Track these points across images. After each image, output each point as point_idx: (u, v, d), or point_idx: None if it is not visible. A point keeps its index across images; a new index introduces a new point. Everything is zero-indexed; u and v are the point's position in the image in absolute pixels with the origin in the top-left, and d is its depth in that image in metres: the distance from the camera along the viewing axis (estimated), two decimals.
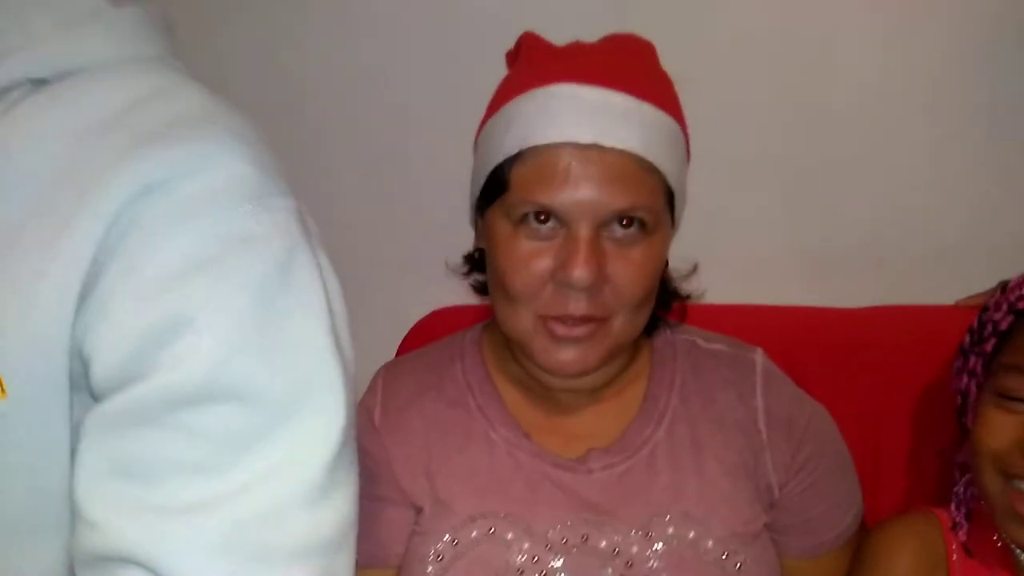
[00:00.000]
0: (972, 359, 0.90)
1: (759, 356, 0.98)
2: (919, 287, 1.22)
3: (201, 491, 0.53)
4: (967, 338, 0.92)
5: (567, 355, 0.87)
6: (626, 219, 0.84)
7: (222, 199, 0.55)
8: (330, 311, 0.58)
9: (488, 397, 0.96)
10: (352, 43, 1.35)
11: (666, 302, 1.00)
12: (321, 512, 0.56)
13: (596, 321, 0.86)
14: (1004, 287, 0.91)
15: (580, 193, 0.83)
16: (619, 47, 0.91)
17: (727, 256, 1.29)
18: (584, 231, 0.83)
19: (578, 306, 0.84)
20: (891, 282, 1.29)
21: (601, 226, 0.84)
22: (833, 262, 1.31)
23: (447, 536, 0.89)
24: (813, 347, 1.17)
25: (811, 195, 1.31)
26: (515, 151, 0.86)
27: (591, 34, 0.92)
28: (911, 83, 1.26)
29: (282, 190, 0.59)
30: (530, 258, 0.85)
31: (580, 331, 0.86)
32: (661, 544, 0.87)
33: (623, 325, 0.88)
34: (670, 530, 0.88)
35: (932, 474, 1.08)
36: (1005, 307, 0.87)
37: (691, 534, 0.88)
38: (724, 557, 0.87)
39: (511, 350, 0.97)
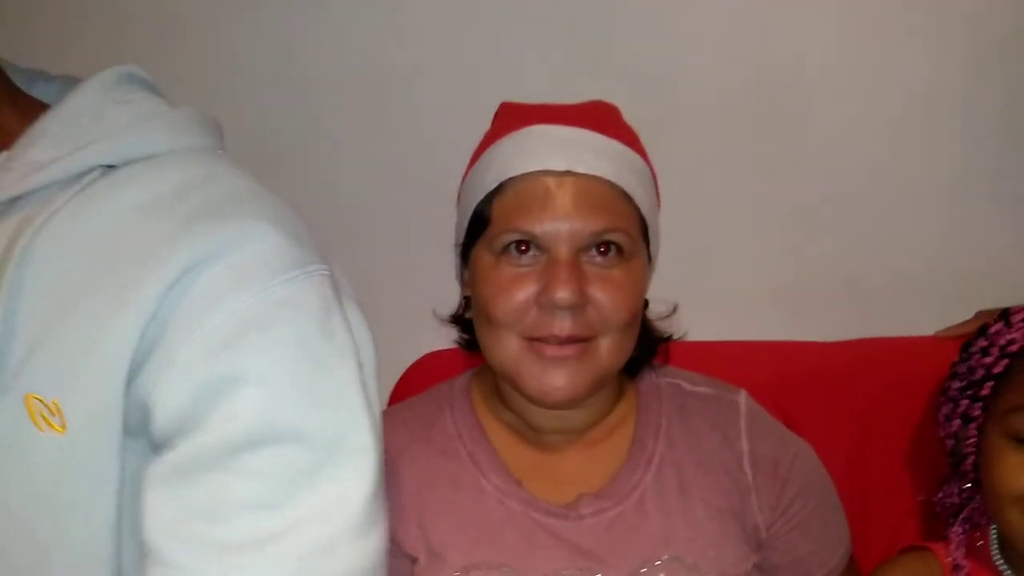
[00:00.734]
0: (964, 403, 0.90)
1: (743, 398, 0.99)
2: (895, 319, 1.24)
3: (268, 525, 0.60)
4: (953, 383, 0.93)
5: (556, 379, 0.87)
6: (603, 245, 0.87)
7: (267, 268, 0.64)
8: (359, 362, 0.67)
9: (478, 444, 0.95)
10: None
11: (650, 345, 1.00)
12: (366, 543, 0.64)
13: (583, 342, 0.87)
14: (984, 329, 0.92)
15: (558, 218, 0.86)
16: (589, 104, 0.97)
17: (707, 295, 1.31)
18: (564, 254, 0.86)
19: (563, 326, 0.86)
20: (867, 315, 1.30)
21: (580, 250, 0.87)
22: (810, 297, 1.32)
23: None
24: (796, 382, 1.17)
25: (786, 231, 1.32)
26: (495, 185, 0.89)
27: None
28: (881, 121, 1.28)
29: (316, 258, 0.68)
30: (512, 284, 0.87)
31: (568, 351, 0.87)
32: None
33: (610, 348, 0.88)
34: (661, 575, 0.87)
35: (919, 508, 1.08)
36: (996, 352, 0.88)
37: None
38: None
39: (500, 395, 0.97)
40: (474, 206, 0.91)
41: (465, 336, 1.04)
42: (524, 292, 0.87)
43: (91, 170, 0.67)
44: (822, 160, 1.29)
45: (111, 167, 0.68)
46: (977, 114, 1.27)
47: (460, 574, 0.87)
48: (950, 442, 0.93)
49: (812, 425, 1.11)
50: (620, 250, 0.88)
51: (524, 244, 0.87)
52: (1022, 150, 1.26)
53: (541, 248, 0.87)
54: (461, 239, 0.95)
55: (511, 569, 0.87)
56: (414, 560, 0.90)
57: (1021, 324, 0.88)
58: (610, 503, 0.91)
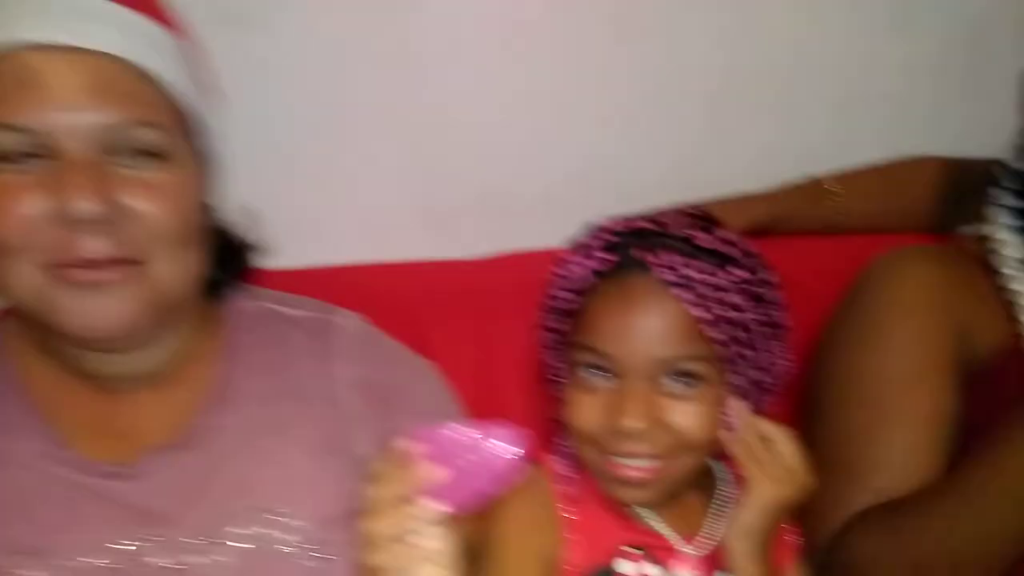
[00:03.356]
0: (546, 333, 0.84)
1: (348, 319, 0.88)
2: (533, 232, 1.19)
3: None
4: (542, 311, 0.86)
5: (97, 307, 0.70)
6: (129, 142, 0.70)
7: None
8: None
9: (9, 404, 0.77)
10: None
11: (234, 264, 0.86)
12: None
13: (127, 264, 0.71)
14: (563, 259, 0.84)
15: (60, 107, 0.67)
16: None
17: (343, 213, 1.19)
18: (78, 152, 0.68)
19: (95, 246, 0.69)
20: (506, 229, 1.25)
21: (104, 150, 0.69)
22: (451, 213, 1.25)
23: None
24: (431, 300, 1.11)
25: (422, 146, 1.23)
26: None
27: None
28: (503, 27, 1.20)
29: None
30: (12, 195, 0.68)
31: (108, 275, 0.70)
32: (232, 546, 0.75)
33: (165, 269, 0.73)
34: (241, 530, 0.75)
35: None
36: (566, 287, 0.81)
37: (268, 530, 0.76)
38: (308, 547, 0.76)
39: (45, 337, 0.78)
40: None
41: None
42: (30, 204, 0.68)
43: None
44: (441, 67, 1.20)
45: None
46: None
47: None
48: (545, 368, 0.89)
49: (442, 345, 1.05)
50: (154, 152, 0.71)
51: (23, 145, 0.67)
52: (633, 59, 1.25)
53: (43, 146, 0.68)
54: None
55: (43, 551, 0.71)
56: None
57: (597, 252, 0.80)
58: (185, 453, 0.78)
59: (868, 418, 0.92)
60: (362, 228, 1.21)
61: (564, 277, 0.82)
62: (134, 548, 0.73)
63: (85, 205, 0.67)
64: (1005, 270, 0.96)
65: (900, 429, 0.91)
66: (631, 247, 0.78)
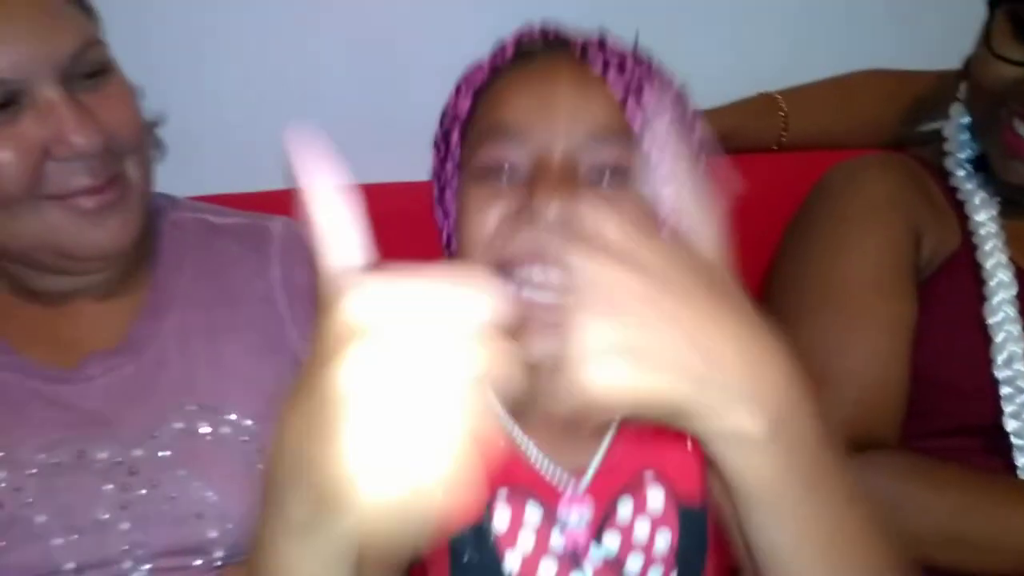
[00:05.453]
0: (440, 147, 0.75)
1: (280, 223, 0.90)
2: None
3: None
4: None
5: (107, 229, 0.76)
6: (83, 66, 0.74)
7: None
8: None
9: None
10: None
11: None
12: None
13: (117, 179, 0.76)
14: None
15: (22, 45, 0.70)
16: None
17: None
18: (49, 92, 0.71)
19: (88, 174, 0.74)
20: None
21: (64, 80, 0.72)
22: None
23: None
24: (388, 223, 1.11)
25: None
26: None
27: None
28: None
29: None
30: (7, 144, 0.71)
31: (108, 196, 0.75)
32: (169, 441, 0.78)
33: (138, 173, 0.79)
34: (178, 425, 0.78)
35: None
36: (470, 82, 0.72)
37: (203, 426, 0.79)
38: (245, 441, 0.79)
39: None
40: None
41: None
42: (27, 148, 0.72)
43: None
44: None
45: None
46: None
47: None
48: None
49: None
50: (104, 67, 0.75)
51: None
52: None
53: (17, 93, 0.71)
54: None
55: None
56: None
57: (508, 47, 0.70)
58: (125, 358, 0.80)
59: (836, 325, 0.89)
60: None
61: (466, 76, 0.72)
62: (78, 444, 0.76)
63: (85, 140, 0.71)
64: (958, 172, 0.96)
65: (869, 335, 0.89)
66: (547, 37, 0.70)
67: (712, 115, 1.14)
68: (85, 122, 0.72)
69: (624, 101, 0.65)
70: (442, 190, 0.74)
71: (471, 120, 0.70)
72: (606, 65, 0.66)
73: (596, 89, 0.65)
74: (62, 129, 0.71)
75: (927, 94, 1.11)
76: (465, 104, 0.70)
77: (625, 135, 0.64)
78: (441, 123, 0.74)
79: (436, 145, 0.75)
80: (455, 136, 0.71)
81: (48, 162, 0.72)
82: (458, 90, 0.72)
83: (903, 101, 1.14)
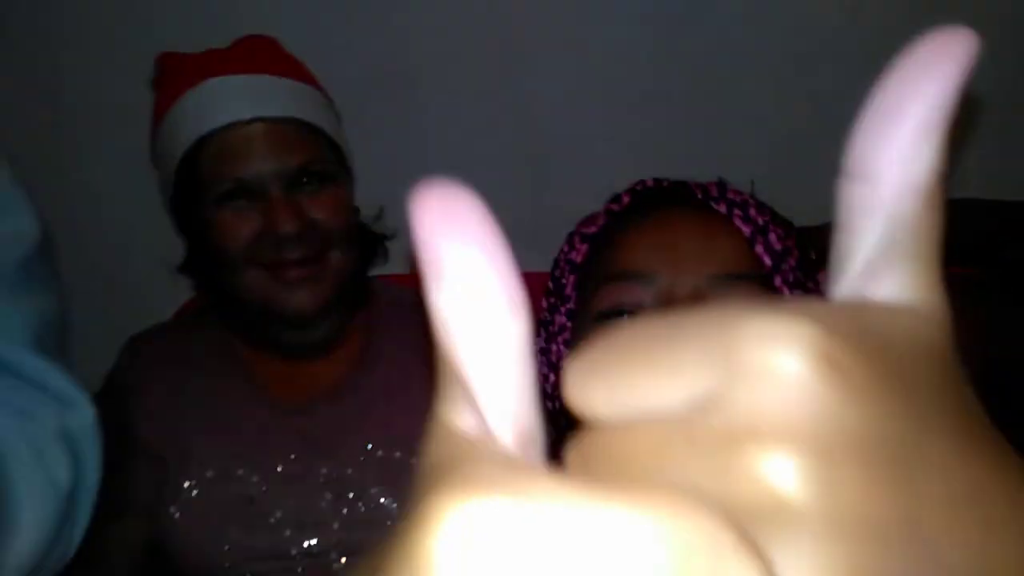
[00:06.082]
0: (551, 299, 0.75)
1: None
2: None
3: None
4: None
5: (303, 295, 1.01)
6: (306, 176, 1.01)
7: None
8: None
9: (226, 357, 1.09)
10: None
11: (371, 248, 1.13)
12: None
13: (316, 260, 1.01)
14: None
15: (262, 161, 0.98)
16: (249, 42, 1.07)
17: None
18: (275, 192, 0.99)
19: (293, 252, 0.99)
20: None
21: (291, 185, 1.00)
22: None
23: (187, 481, 1.02)
24: None
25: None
26: (194, 139, 1.00)
27: None
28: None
29: None
30: (238, 225, 1.00)
31: (305, 272, 1.01)
32: (373, 465, 1.03)
33: (340, 258, 1.03)
34: (380, 453, 1.03)
35: None
36: (585, 232, 0.74)
37: (397, 453, 1.04)
38: None
39: (252, 323, 1.08)
40: (176, 164, 1.02)
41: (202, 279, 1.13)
42: (249, 227, 0.99)
43: None
44: None
45: None
46: None
47: (203, 467, 1.02)
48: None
49: None
50: (322, 176, 1.02)
51: (238, 191, 0.99)
52: None
53: (254, 192, 0.98)
54: (171, 193, 1.06)
55: (247, 458, 1.02)
56: (163, 460, 1.03)
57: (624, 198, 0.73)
58: (341, 400, 1.07)
59: None
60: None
61: (580, 225, 0.74)
62: (307, 462, 1.03)
63: (290, 228, 0.98)
64: None
65: None
66: (660, 185, 0.73)
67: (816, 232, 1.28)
68: (292, 215, 0.98)
69: (751, 241, 0.67)
70: (548, 340, 0.74)
71: (587, 268, 0.71)
72: (730, 206, 0.68)
73: (721, 229, 0.67)
74: (276, 219, 0.98)
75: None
76: (581, 251, 0.72)
77: (752, 276, 0.65)
78: (552, 272, 0.75)
79: (546, 295, 0.74)
80: (569, 284, 0.72)
81: (265, 239, 0.99)
82: (572, 238, 0.74)
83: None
